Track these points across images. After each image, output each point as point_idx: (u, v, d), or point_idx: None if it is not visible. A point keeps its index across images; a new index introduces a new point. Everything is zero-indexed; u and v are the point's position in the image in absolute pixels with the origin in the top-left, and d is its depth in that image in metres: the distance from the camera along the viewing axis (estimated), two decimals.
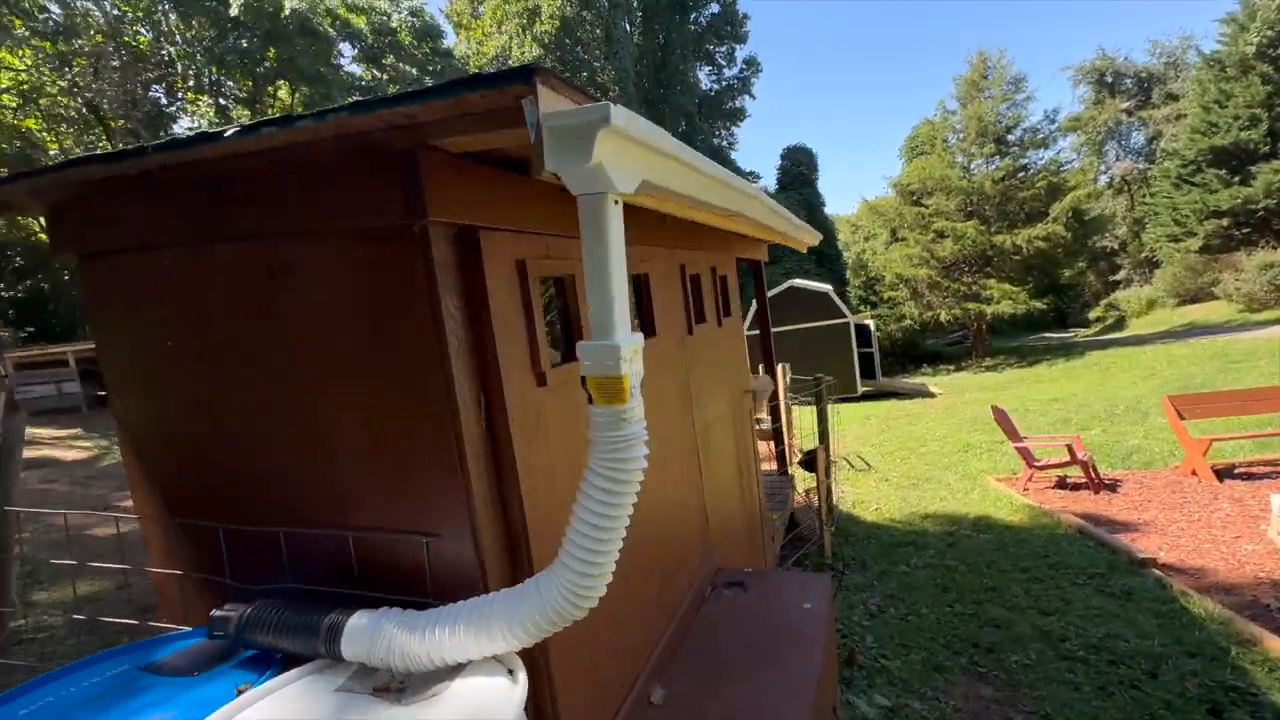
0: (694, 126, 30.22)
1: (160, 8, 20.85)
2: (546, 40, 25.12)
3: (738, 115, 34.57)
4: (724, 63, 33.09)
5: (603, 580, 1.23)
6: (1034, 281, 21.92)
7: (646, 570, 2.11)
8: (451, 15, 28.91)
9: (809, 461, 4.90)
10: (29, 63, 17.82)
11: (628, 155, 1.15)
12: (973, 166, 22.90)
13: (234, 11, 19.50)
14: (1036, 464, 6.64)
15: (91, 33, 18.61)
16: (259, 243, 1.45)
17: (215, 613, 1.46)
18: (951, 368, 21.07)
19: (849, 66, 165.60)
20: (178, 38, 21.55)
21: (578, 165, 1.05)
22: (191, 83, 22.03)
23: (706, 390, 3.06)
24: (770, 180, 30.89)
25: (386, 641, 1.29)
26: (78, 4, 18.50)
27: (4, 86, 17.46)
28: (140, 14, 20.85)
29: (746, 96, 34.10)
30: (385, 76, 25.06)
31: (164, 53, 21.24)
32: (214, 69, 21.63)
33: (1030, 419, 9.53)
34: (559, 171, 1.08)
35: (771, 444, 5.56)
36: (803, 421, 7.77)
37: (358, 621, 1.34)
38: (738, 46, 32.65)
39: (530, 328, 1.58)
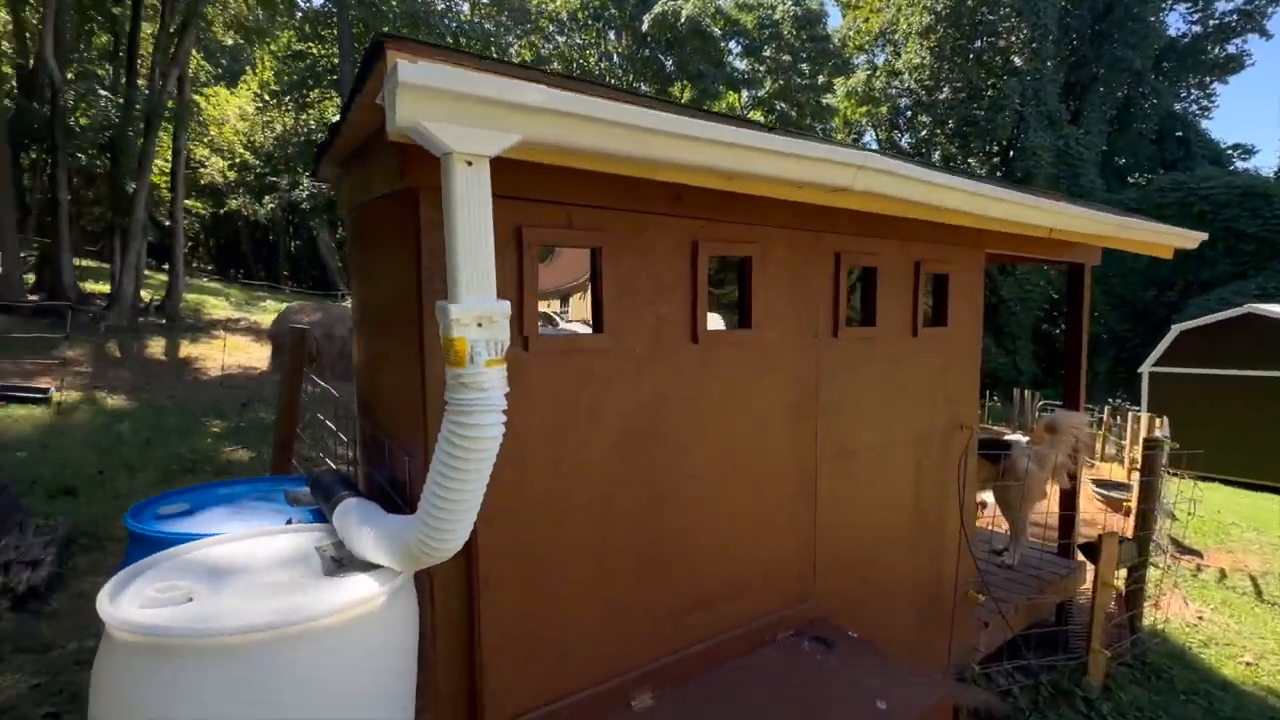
0: (1144, 86, 22.78)
1: (605, 32, 26.47)
2: (940, 7, 22.34)
3: (1227, 65, 24.54)
4: None
5: (449, 534, 1.27)
6: None
7: (656, 576, 1.97)
8: None
9: (1091, 548, 3.45)
10: None
11: (473, 113, 1.11)
12: None
13: (645, 27, 23.32)
14: None
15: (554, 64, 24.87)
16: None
17: (312, 472, 2.05)
18: None
19: None
20: (614, 55, 27.04)
21: (398, 126, 1.08)
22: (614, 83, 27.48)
23: (860, 410, 2.52)
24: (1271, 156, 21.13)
25: (345, 523, 1.61)
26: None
27: None
28: (592, 41, 26.88)
29: (1251, 36, 23.81)
30: (763, 68, 26.36)
31: (600, 67, 26.95)
32: (630, 78, 26.38)
33: None
34: (403, 134, 1.13)
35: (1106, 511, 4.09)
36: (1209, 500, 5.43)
37: (346, 503, 1.69)
38: None
39: (520, 292, 1.65)
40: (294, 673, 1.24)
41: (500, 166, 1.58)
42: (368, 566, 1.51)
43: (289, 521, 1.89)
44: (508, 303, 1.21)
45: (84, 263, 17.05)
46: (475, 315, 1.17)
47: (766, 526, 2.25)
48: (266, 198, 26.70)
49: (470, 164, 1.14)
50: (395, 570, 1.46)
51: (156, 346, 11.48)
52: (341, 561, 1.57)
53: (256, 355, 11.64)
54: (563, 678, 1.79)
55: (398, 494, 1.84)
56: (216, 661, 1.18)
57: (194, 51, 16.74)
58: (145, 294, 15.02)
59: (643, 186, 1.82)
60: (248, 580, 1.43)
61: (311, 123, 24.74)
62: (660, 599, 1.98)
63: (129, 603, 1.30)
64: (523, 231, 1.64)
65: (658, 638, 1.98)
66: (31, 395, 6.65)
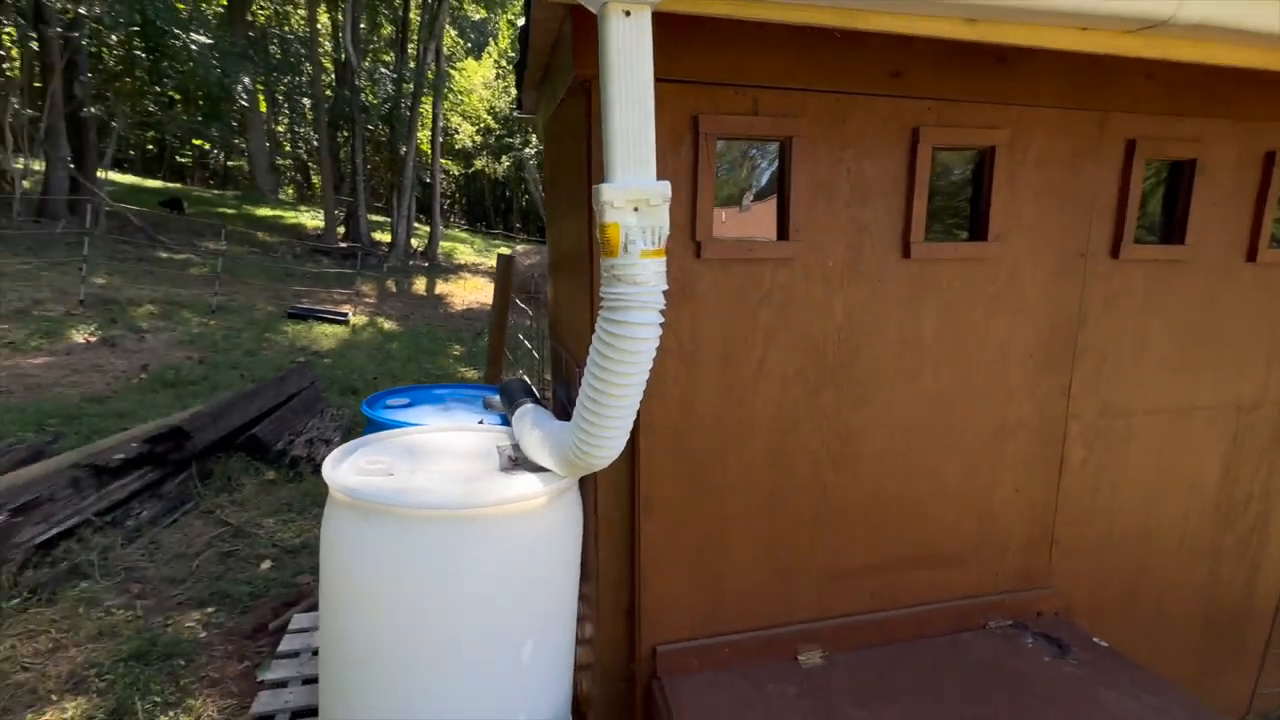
0: None
1: None
2: None
3: None
4: None
5: (602, 442, 1.22)
6: None
7: (836, 526, 1.71)
8: None
9: None
10: None
11: None
12: None
13: None
14: None
15: None
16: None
17: (502, 381, 2.19)
18: None
19: None
20: None
21: None
22: None
23: (1143, 360, 1.88)
24: None
25: (519, 427, 1.67)
26: None
27: None
28: None
29: None
30: None
31: None
32: None
33: None
34: None
35: None
36: None
37: (524, 408, 1.76)
38: None
39: (694, 192, 1.47)
40: (459, 548, 1.32)
41: (676, 45, 1.39)
42: (538, 468, 1.54)
43: (480, 422, 2.04)
44: (667, 184, 1.05)
45: (375, 218, 21.20)
46: (630, 197, 1.03)
47: (984, 491, 1.83)
48: (504, 157, 30.10)
49: (629, 13, 0.98)
50: (559, 474, 1.46)
51: (420, 284, 13.89)
52: (516, 461, 1.62)
53: (490, 293, 13.41)
54: (722, 614, 1.68)
55: (572, 406, 1.86)
56: (398, 526, 1.30)
57: (448, 28, 19.14)
58: (415, 242, 18.18)
59: (851, 59, 1.49)
60: (437, 466, 1.56)
61: None
62: (838, 552, 1.74)
63: (347, 470, 1.50)
64: (700, 121, 1.44)
65: (832, 595, 1.75)
66: (336, 318, 8.55)
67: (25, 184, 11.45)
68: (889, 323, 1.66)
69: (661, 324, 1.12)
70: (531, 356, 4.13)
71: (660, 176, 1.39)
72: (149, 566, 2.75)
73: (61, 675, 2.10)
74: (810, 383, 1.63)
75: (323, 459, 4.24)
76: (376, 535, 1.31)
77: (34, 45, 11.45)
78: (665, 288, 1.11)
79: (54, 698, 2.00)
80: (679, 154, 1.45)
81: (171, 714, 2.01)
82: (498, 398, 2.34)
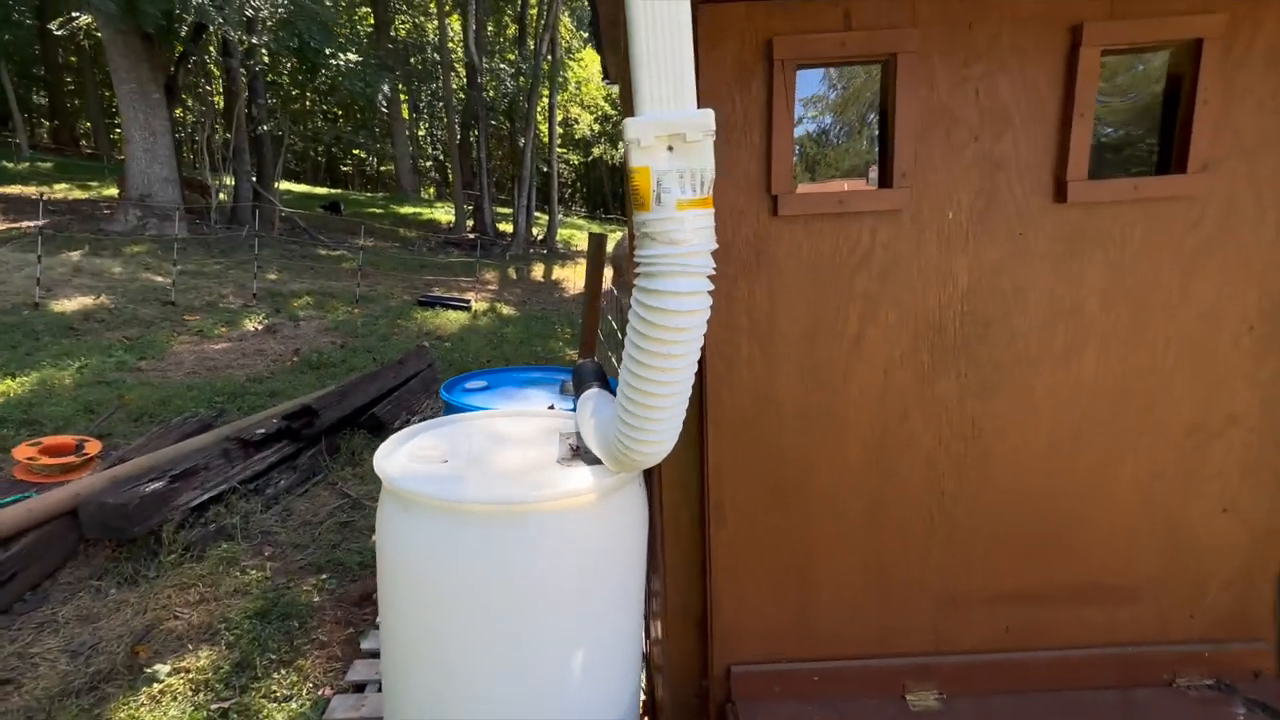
0: None
1: None
2: None
3: None
4: None
5: (646, 437, 1.04)
6: None
7: (960, 542, 1.38)
8: None
9: None
10: None
11: None
12: None
13: None
14: None
15: None
16: None
17: (576, 363, 2.07)
18: None
19: None
20: None
21: None
22: None
23: None
24: None
25: (581, 414, 1.53)
26: None
27: None
28: None
29: None
30: None
31: None
32: None
33: None
34: None
35: None
36: None
37: (588, 393, 1.62)
38: None
39: (768, 135, 1.22)
40: (503, 545, 1.21)
41: None
42: (597, 461, 1.39)
43: (551, 407, 1.94)
44: (709, 112, 0.82)
45: (500, 209, 22.46)
46: (661, 131, 0.82)
47: (1175, 508, 1.39)
48: (620, 143, 30.51)
49: None
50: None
51: (538, 271, 14.46)
52: (577, 451, 1.49)
53: (604, 277, 13.62)
54: (811, 636, 1.43)
55: None
56: (440, 520, 1.21)
57: (564, 19, 19.54)
58: (535, 230, 18.98)
59: None
60: (495, 454, 1.46)
61: None
62: (962, 575, 1.41)
63: (402, 456, 1.45)
64: (774, 44, 1.18)
65: (953, 626, 1.43)
66: (460, 304, 9.11)
67: (220, 196, 13.51)
68: (1034, 288, 1.29)
69: (710, 291, 0.91)
70: (619, 339, 4.03)
71: (726, 120, 1.16)
72: (281, 531, 3.03)
73: (201, 626, 2.34)
74: (923, 366, 1.32)
75: None
76: (419, 528, 1.23)
77: (220, 75, 13.36)
78: (713, 246, 0.89)
79: (190, 646, 2.23)
80: (748, 90, 1.20)
81: (284, 672, 2.16)
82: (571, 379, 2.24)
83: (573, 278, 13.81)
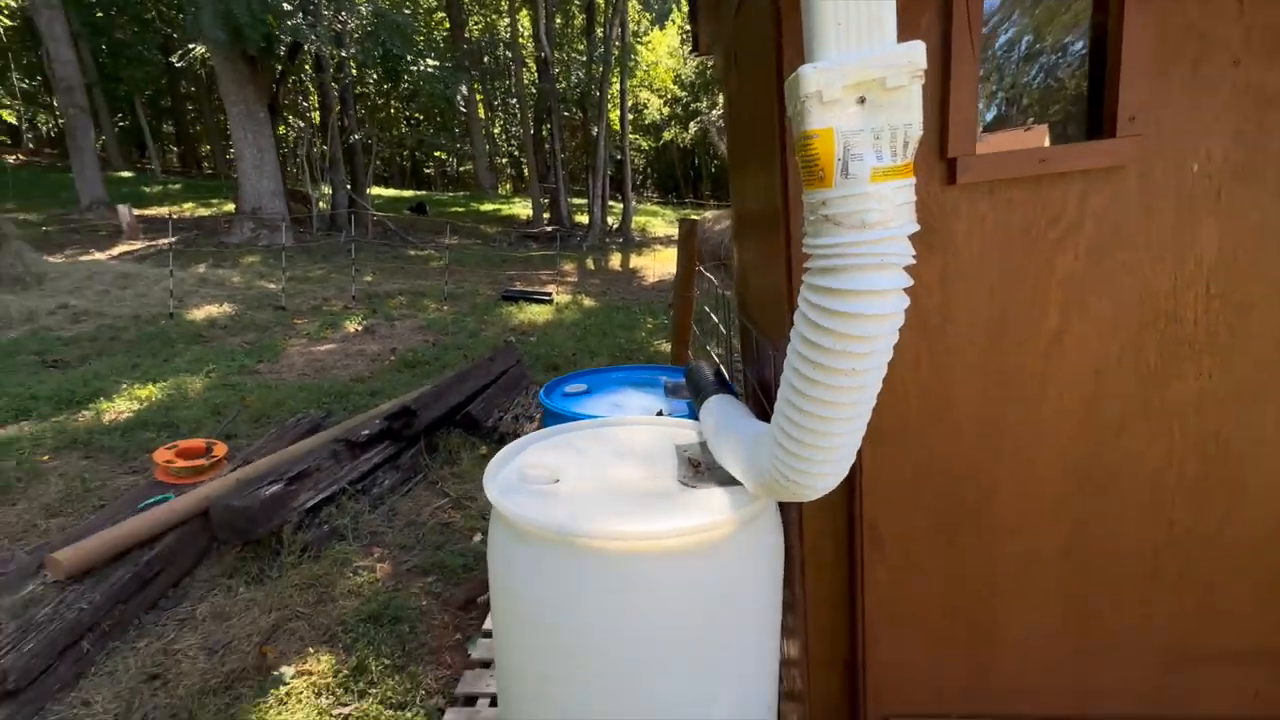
0: None
1: None
2: None
3: None
4: None
5: (812, 466, 0.85)
6: None
7: (1190, 584, 1.09)
8: None
9: None
10: None
11: None
12: None
13: None
14: None
15: None
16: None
17: (689, 364, 1.90)
18: None
19: None
20: None
21: None
22: None
23: None
24: None
25: (706, 424, 1.37)
26: None
27: None
28: None
29: None
30: None
31: None
32: None
33: None
34: None
35: None
36: None
37: (711, 400, 1.45)
38: None
39: (944, 81, 0.97)
40: (623, 581, 1.06)
41: None
42: (726, 479, 1.22)
43: (659, 413, 1.78)
44: (919, 45, 0.61)
45: (575, 200, 22.69)
46: (852, 79, 0.62)
47: None
48: (691, 124, 29.87)
49: None
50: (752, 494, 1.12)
51: (615, 260, 14.43)
52: (699, 468, 1.32)
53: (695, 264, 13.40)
54: (989, 691, 1.19)
55: (766, 397, 1.49)
56: (555, 552, 1.08)
57: (632, 2, 19.27)
58: (611, 219, 18.97)
59: None
60: (610, 472, 1.32)
61: None
62: (1194, 626, 1.11)
63: (509, 474, 1.34)
64: None
65: (1181, 688, 1.14)
66: (541, 297, 9.20)
67: (321, 205, 14.44)
68: None
69: (907, 289, 0.69)
70: (720, 331, 3.80)
71: None
72: (388, 532, 3.09)
73: (320, 628, 2.40)
74: (1149, 366, 1.03)
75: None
76: (532, 557, 1.11)
77: (315, 91, 14.20)
78: (915, 228, 0.67)
79: (311, 650, 2.29)
80: (917, 25, 0.96)
81: (398, 678, 2.16)
82: (679, 380, 2.06)
83: (650, 265, 13.66)
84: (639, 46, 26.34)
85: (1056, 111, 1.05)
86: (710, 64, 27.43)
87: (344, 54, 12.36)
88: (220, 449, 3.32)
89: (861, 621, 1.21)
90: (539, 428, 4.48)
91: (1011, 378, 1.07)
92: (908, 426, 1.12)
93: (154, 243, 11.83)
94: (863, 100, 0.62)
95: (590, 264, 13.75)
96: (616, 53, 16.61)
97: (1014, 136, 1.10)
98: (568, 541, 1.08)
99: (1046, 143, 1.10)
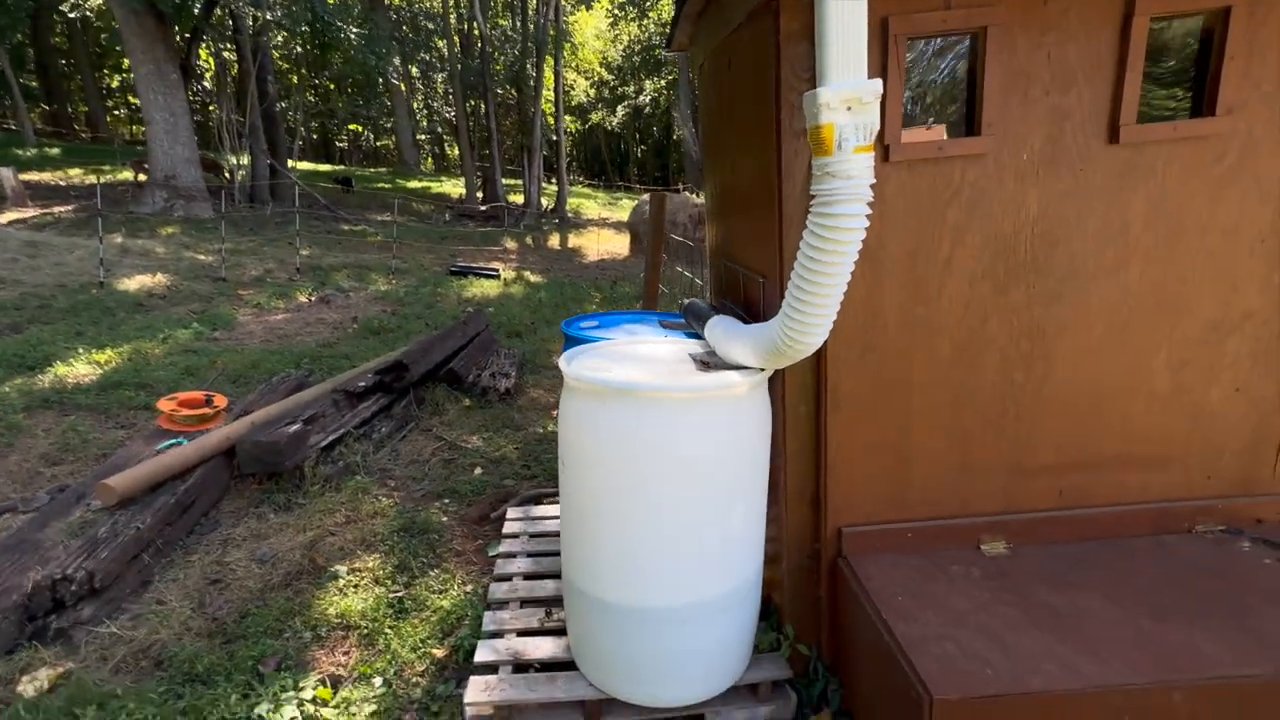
0: None
1: None
2: None
3: None
4: None
5: (812, 329, 1.39)
6: None
7: (1025, 424, 1.74)
8: None
9: None
10: None
11: None
12: None
13: None
14: None
15: None
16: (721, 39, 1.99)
17: (686, 301, 2.41)
18: None
19: None
20: None
21: None
22: None
23: None
24: None
25: (714, 334, 1.89)
26: None
27: None
28: None
29: None
30: None
31: None
32: None
33: None
34: None
35: None
36: None
37: (715, 319, 1.97)
38: None
39: (884, 103, 1.53)
40: (678, 424, 1.57)
41: None
42: (730, 368, 1.75)
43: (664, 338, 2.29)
44: (879, 81, 1.15)
45: (507, 180, 22.51)
46: (845, 97, 1.15)
47: (1197, 391, 1.74)
48: (619, 107, 30.15)
49: None
50: (754, 370, 1.66)
51: (554, 240, 14.69)
52: (709, 364, 1.85)
53: (619, 244, 13.85)
54: (905, 501, 1.81)
55: (752, 317, 2.03)
56: (631, 406, 1.57)
57: None
58: (545, 200, 19.10)
59: None
60: (645, 365, 1.82)
61: (651, 26, 26.30)
62: (1027, 450, 1.77)
63: (578, 367, 1.81)
64: (889, 23, 1.49)
65: (1018, 491, 1.80)
66: (489, 273, 9.43)
67: (240, 175, 13.67)
68: (1090, 215, 1.62)
69: (869, 215, 1.24)
70: (673, 291, 4.34)
71: None
72: (395, 468, 3.43)
73: (356, 539, 2.76)
74: (999, 279, 1.66)
75: (505, 389, 4.76)
76: (611, 413, 1.60)
77: (232, 55, 13.35)
78: (873, 181, 1.22)
79: (358, 553, 2.65)
80: (876, 68, 1.52)
81: (435, 572, 2.57)
82: (674, 319, 2.58)
83: (589, 245, 14.04)
84: (570, 26, 26.18)
85: (952, 113, 1.64)
86: (639, 51, 27.73)
87: (268, 16, 11.76)
88: (220, 400, 3.51)
89: (824, 459, 1.79)
90: (515, 383, 4.84)
91: (920, 287, 1.66)
92: (856, 322, 1.69)
93: (48, 210, 10.88)
94: (849, 108, 1.16)
95: (530, 242, 13.95)
96: (553, 33, 16.65)
97: (924, 132, 1.68)
98: (639, 395, 1.57)
99: (944, 136, 1.69)
